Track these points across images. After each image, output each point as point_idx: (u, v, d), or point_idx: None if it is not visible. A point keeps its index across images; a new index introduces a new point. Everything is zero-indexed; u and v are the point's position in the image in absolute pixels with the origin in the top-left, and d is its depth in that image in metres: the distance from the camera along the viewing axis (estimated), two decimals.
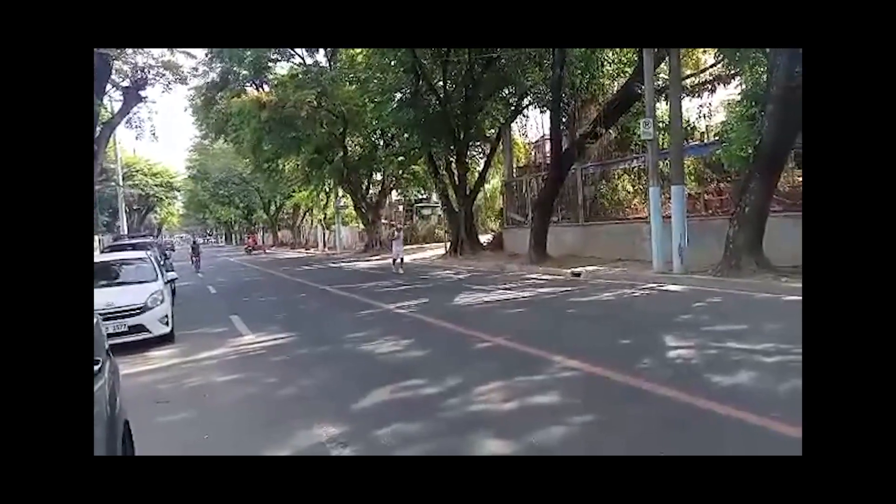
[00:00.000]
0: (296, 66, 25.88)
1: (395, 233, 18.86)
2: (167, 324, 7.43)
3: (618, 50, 15.87)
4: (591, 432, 3.44)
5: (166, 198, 50.01)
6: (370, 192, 30.36)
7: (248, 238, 48.35)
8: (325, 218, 38.33)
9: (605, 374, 4.54)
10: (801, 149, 11.79)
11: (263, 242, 47.86)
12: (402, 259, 17.05)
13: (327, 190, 34.11)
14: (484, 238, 21.68)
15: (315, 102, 22.03)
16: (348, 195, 30.33)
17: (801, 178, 11.90)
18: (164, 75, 20.16)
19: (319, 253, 35.01)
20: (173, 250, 38.14)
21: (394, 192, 33.74)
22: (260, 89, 26.31)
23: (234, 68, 25.37)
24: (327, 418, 3.91)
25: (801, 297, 7.82)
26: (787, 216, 10.44)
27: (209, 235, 67.19)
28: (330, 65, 25.19)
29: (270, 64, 26.16)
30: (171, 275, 9.39)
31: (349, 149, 26.88)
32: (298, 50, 25.47)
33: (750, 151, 9.53)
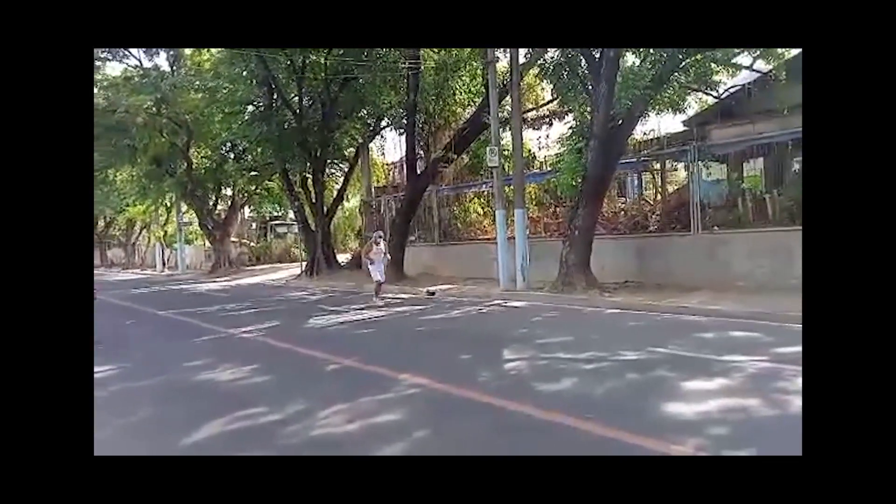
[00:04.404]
0: (131, 69, 23.46)
1: (373, 245, 11.61)
2: None
3: (468, 80, 16.89)
4: (427, 445, 3.55)
5: None
6: (218, 207, 28.33)
7: None
8: (165, 235, 34.82)
9: (446, 389, 4.74)
10: (619, 179, 13.55)
11: None
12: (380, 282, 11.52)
13: (168, 204, 31.14)
14: (343, 257, 21.36)
15: (154, 109, 20.11)
16: (193, 210, 27.96)
17: (620, 205, 13.65)
18: None
19: (159, 274, 31.65)
20: None
21: (246, 209, 31.85)
22: None
23: None
24: None
25: (620, 310, 8.79)
26: (610, 238, 11.89)
27: None
28: (172, 70, 23.25)
29: (98, 63, 23.37)
30: None
31: (194, 161, 24.90)
32: (134, 51, 23.18)
33: (578, 181, 10.70)
